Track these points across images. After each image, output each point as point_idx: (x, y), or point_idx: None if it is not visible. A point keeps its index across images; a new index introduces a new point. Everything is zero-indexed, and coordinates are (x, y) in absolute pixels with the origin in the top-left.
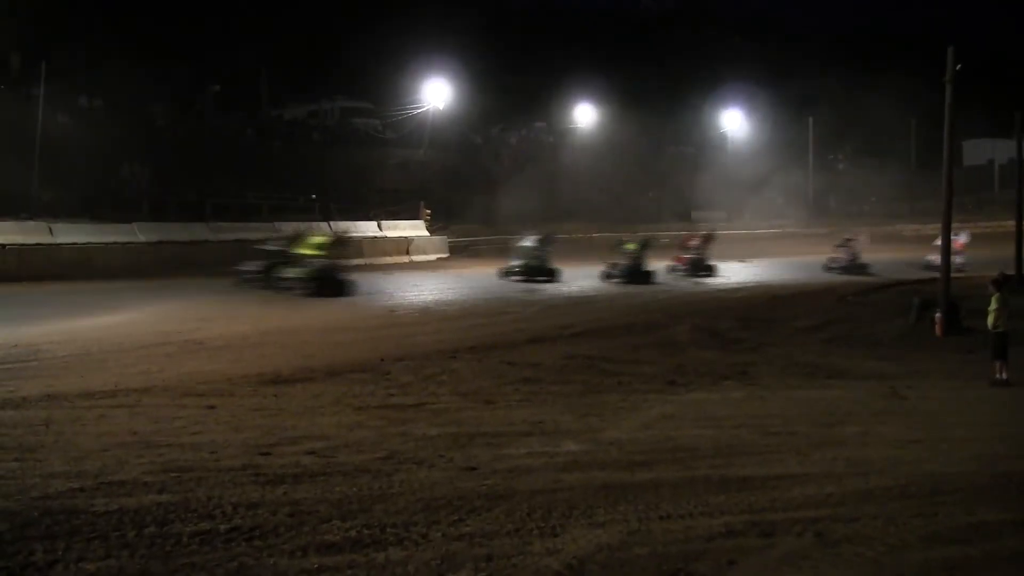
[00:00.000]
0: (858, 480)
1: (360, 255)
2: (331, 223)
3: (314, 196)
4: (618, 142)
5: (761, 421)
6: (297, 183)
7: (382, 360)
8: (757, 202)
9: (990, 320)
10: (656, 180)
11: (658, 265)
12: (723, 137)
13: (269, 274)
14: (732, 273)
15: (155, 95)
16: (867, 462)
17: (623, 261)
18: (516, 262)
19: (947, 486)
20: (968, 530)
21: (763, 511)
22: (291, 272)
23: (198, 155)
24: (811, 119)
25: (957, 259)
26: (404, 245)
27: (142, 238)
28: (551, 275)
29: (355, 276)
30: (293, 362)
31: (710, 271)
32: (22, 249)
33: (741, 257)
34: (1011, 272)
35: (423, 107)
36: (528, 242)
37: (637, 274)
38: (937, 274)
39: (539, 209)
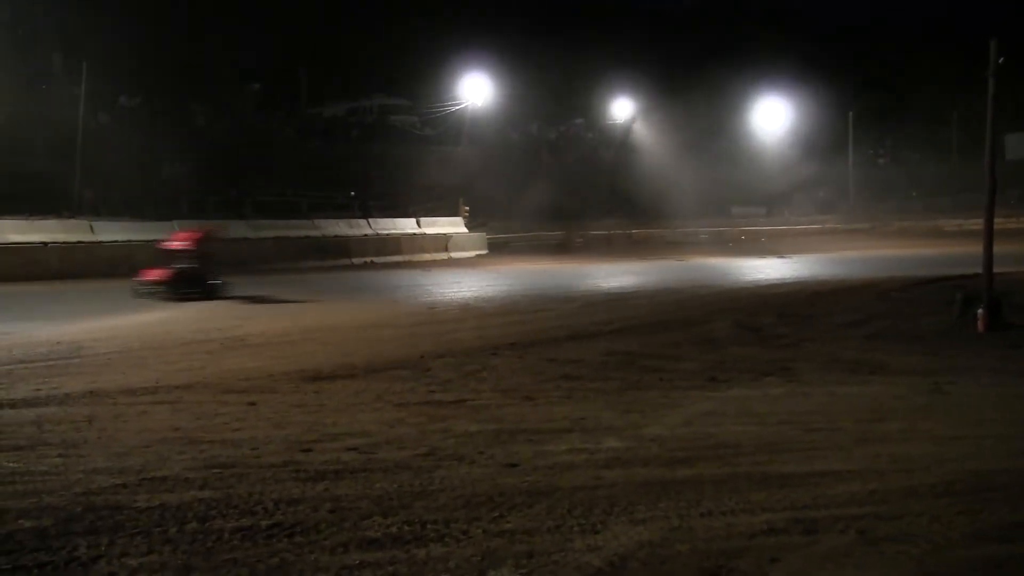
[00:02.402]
0: (901, 477)
1: (399, 252)
2: (370, 220)
3: (353, 193)
4: (656, 137)
5: (803, 417)
6: (336, 180)
7: (422, 357)
8: (798, 197)
9: None
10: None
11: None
12: (762, 131)
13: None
14: (772, 269)
15: (195, 94)
16: (910, 459)
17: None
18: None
19: (991, 483)
20: (1013, 528)
21: (805, 508)
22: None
23: (238, 153)
24: (851, 113)
25: None
26: (443, 242)
27: None
28: (207, 289)
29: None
30: (334, 359)
31: (209, 289)
32: (64, 247)
33: (781, 253)
34: None
35: (461, 104)
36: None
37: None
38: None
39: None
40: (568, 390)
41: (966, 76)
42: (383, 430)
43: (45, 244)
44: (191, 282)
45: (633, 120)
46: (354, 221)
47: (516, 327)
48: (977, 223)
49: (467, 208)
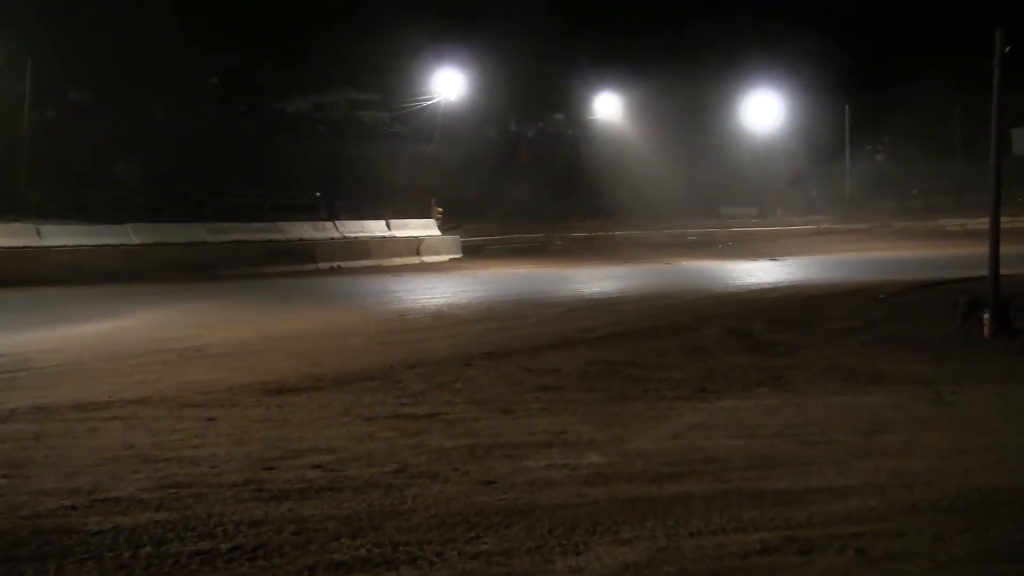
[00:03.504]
0: (902, 493)
1: (368, 256)
2: (337, 222)
3: (319, 194)
4: (641, 134)
5: (798, 430)
6: (301, 180)
7: (393, 367)
8: (791, 196)
9: None
10: (682, 174)
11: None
12: (753, 128)
13: None
14: (765, 273)
15: (150, 88)
16: (912, 473)
17: None
18: None
19: (998, 499)
20: (1021, 547)
21: (801, 526)
22: None
23: (196, 151)
24: (847, 107)
25: None
26: (414, 245)
27: (136, 240)
28: None
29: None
30: (298, 370)
31: None
32: (7, 252)
33: (774, 255)
34: None
35: (434, 99)
36: None
37: None
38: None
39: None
40: (548, 402)
41: (970, 67)
42: (351, 446)
43: None
44: None
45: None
46: (320, 224)
47: (492, 335)
48: (981, 222)
49: (440, 209)
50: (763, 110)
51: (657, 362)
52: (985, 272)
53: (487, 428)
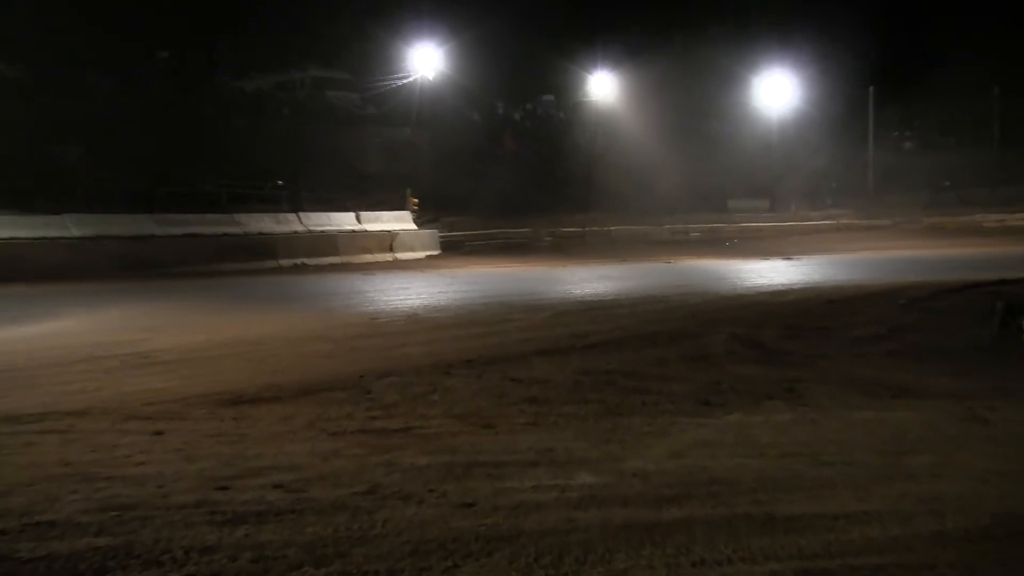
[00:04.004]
0: (930, 520)
1: (335, 252)
2: (301, 214)
3: (281, 183)
4: (640, 118)
5: (813, 449)
6: (261, 167)
7: (362, 376)
8: (807, 188)
9: None
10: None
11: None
12: (766, 112)
13: None
14: (777, 273)
15: (92, 63)
16: (941, 498)
17: None
18: None
19: None
20: None
21: (816, 557)
22: None
23: (144, 134)
24: (871, 88)
25: None
26: (387, 241)
27: (76, 232)
28: None
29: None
30: (257, 379)
31: None
32: None
33: (787, 253)
34: None
35: (410, 77)
36: None
37: None
38: None
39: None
40: (534, 416)
41: (1011, 44)
42: (315, 463)
43: None
44: None
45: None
46: (282, 216)
47: (473, 341)
48: (1022, 218)
49: (416, 201)
50: (776, 92)
51: (657, 372)
52: None
53: (467, 444)
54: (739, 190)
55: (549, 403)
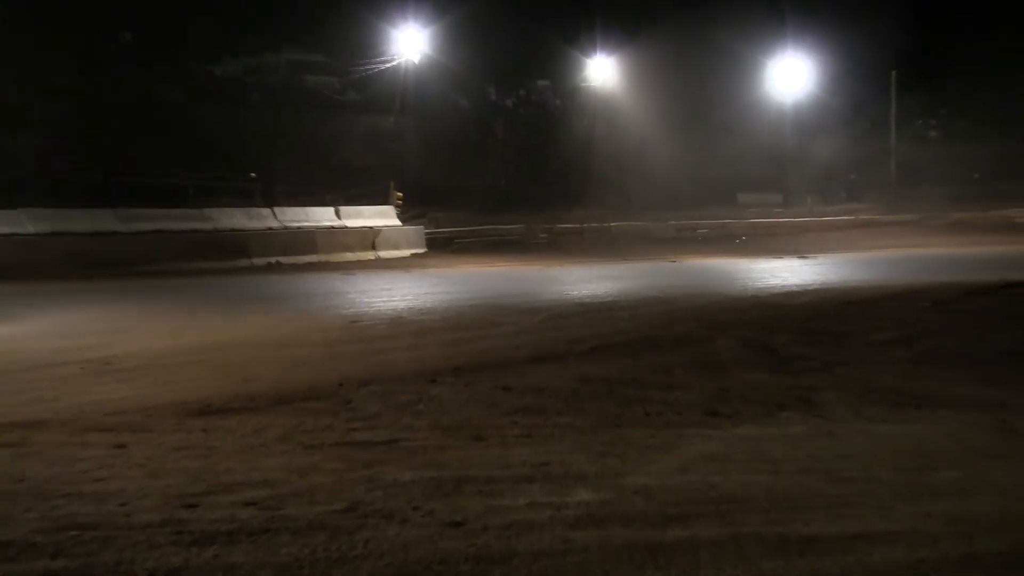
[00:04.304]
0: (959, 542)
1: (313, 250)
2: (276, 209)
3: (254, 175)
4: (643, 105)
5: (830, 464)
6: (233, 158)
7: (341, 385)
8: (824, 181)
9: None
10: (692, 154)
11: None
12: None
13: None
14: (791, 273)
15: (49, 44)
16: (970, 518)
17: None
18: None
19: None
20: None
21: None
22: None
23: (106, 123)
24: (893, 72)
25: None
26: (369, 238)
27: (32, 228)
28: None
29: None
30: (228, 387)
31: None
32: None
33: (802, 252)
34: None
35: (394, 61)
36: None
37: None
38: None
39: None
40: (528, 427)
41: None
42: (291, 479)
43: None
44: None
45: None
46: (255, 211)
47: (462, 346)
48: None
49: (401, 195)
50: (791, 77)
51: (660, 380)
52: None
53: (455, 458)
54: (750, 183)
55: (544, 413)
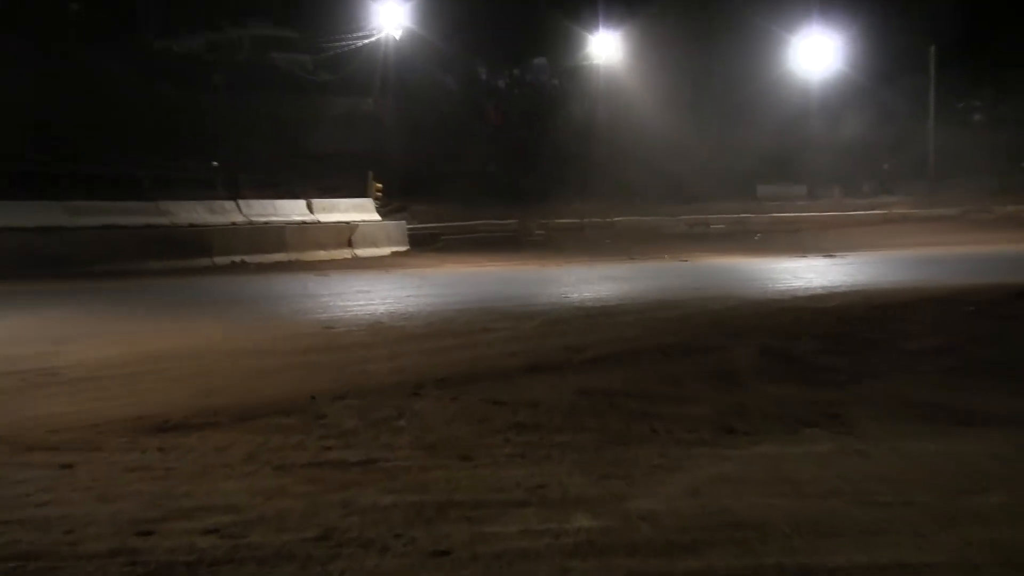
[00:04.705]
0: (1003, 573)
1: (282, 248)
2: (240, 202)
3: (216, 163)
4: (651, 87)
5: (860, 486)
6: (193, 144)
7: (314, 398)
8: (853, 170)
9: None
10: (706, 141)
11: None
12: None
13: None
14: (816, 273)
15: None
16: (1016, 546)
17: None
18: None
19: None
20: None
21: None
22: None
23: (52, 105)
24: (932, 48)
25: None
26: (345, 234)
27: None
28: None
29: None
30: (187, 401)
31: None
32: None
33: (829, 250)
34: None
35: (372, 37)
36: None
37: None
38: None
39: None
40: (522, 446)
41: None
42: (257, 503)
43: None
44: None
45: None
46: (218, 204)
47: (449, 355)
48: None
49: (380, 187)
50: (817, 54)
51: (670, 393)
52: None
53: (440, 480)
54: (771, 173)
55: (540, 430)
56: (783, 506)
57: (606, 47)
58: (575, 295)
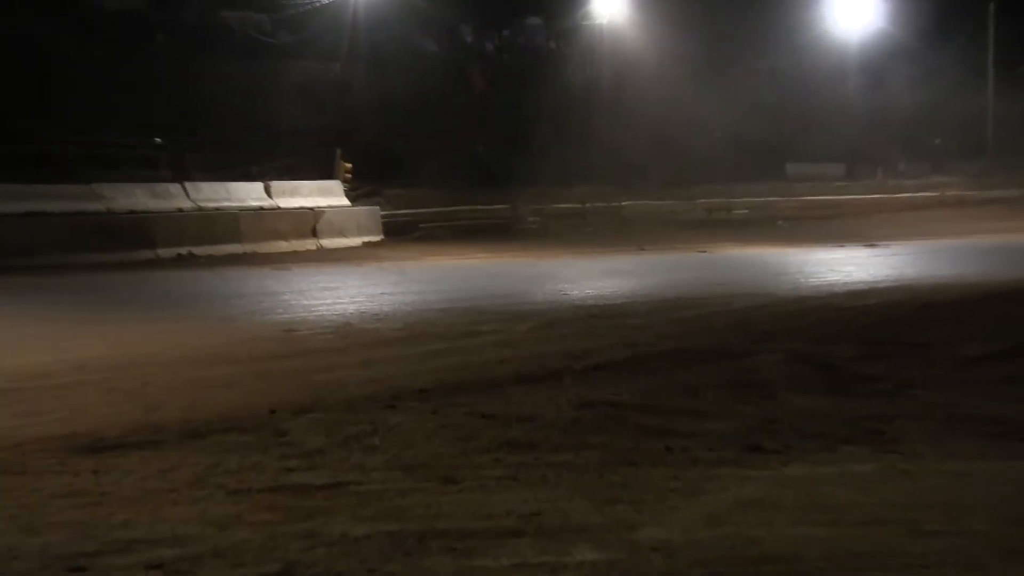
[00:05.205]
0: None
1: (236, 238)
2: (187, 185)
3: (159, 140)
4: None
5: (908, 513)
6: (131, 118)
7: (273, 412)
8: (898, 147)
9: None
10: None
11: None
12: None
13: None
14: (856, 266)
15: None
16: None
17: None
18: None
19: None
20: None
21: None
22: None
23: None
24: (992, 5)
25: None
26: (309, 222)
27: None
28: None
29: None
30: (126, 416)
31: None
32: None
33: (871, 238)
34: None
35: None
36: None
37: None
38: None
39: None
40: (515, 466)
41: None
42: (208, 534)
43: None
44: None
45: None
46: (161, 187)
47: (429, 362)
48: None
49: (350, 166)
50: (855, 12)
51: (686, 405)
52: None
53: (420, 506)
54: (803, 151)
55: (535, 449)
56: (818, 536)
57: (610, 4)
58: (575, 292)
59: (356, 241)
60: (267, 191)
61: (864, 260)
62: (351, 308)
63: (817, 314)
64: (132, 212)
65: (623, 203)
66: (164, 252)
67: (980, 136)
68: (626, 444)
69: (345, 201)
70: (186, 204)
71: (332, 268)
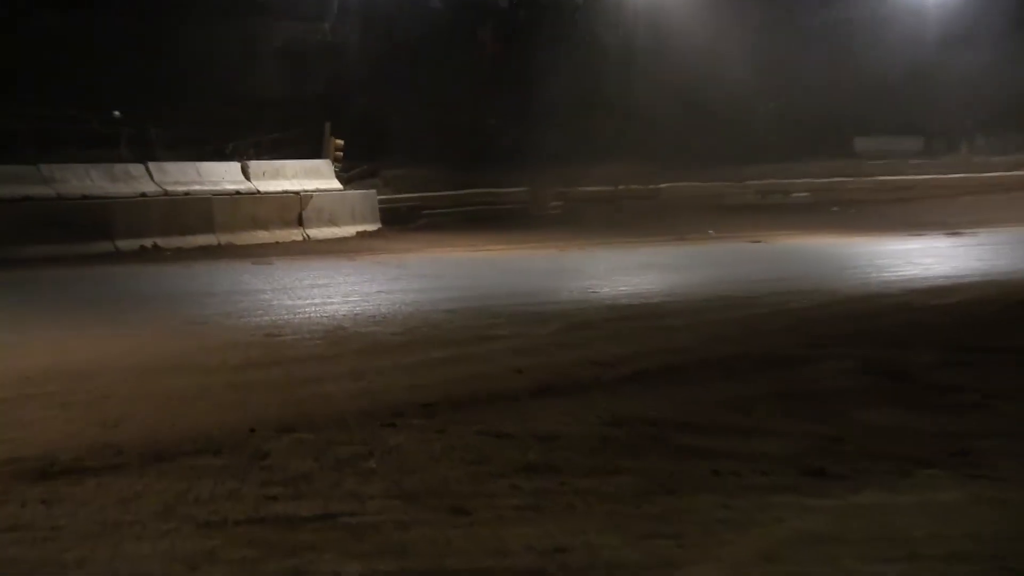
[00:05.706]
0: None
1: (209, 228)
2: (151, 166)
3: (118, 113)
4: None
5: (1000, 547)
6: (87, 88)
7: (253, 431)
8: (987, 119)
9: None
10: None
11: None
12: None
13: None
14: (935, 258)
15: None
16: None
17: None
18: None
19: None
20: None
21: None
22: None
23: None
24: None
25: None
26: (294, 208)
27: None
28: None
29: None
30: (82, 434)
31: None
32: None
33: (953, 226)
34: None
35: None
36: None
37: None
38: None
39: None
40: (535, 494)
41: None
42: (177, 573)
43: None
44: None
45: None
46: (121, 168)
47: (434, 372)
48: None
49: (341, 143)
50: None
51: (736, 422)
52: None
53: (424, 542)
54: (874, 123)
55: (558, 473)
56: (893, 573)
57: None
58: (605, 290)
59: (349, 230)
60: (245, 172)
61: (946, 251)
62: (343, 309)
63: (890, 315)
64: (86, 197)
65: (661, 185)
66: (124, 244)
67: None
68: (665, 468)
69: (336, 184)
70: (150, 188)
71: (321, 262)
